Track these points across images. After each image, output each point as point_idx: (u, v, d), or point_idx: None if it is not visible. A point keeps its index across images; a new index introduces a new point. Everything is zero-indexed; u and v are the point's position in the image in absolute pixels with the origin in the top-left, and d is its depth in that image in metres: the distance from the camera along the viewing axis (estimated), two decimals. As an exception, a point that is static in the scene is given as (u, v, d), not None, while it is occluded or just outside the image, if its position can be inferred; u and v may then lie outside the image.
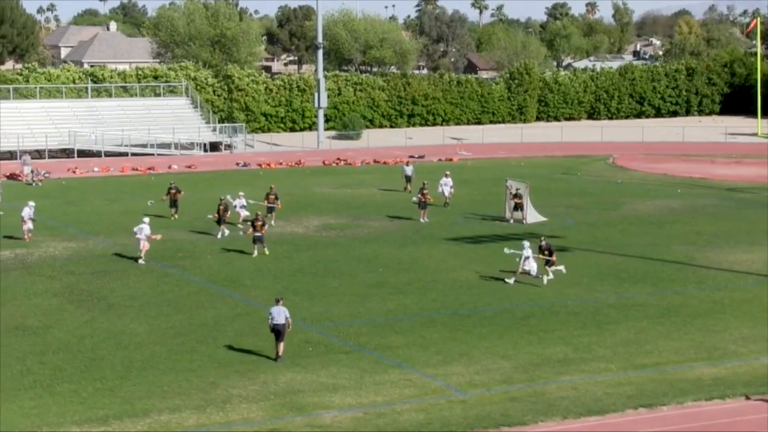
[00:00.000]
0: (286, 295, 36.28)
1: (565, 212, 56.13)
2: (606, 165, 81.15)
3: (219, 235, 48.06)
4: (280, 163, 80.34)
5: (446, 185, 57.54)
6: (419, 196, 53.24)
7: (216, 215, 48.71)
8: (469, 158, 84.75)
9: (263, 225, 44.30)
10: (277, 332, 29.46)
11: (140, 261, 42.46)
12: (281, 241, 47.35)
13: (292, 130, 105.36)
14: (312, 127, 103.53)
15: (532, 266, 38.55)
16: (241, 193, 52.80)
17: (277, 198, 51.87)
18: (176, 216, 53.02)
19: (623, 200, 60.83)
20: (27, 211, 47.21)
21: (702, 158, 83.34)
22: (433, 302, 36.36)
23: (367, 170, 77.08)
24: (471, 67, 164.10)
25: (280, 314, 29.48)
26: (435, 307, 35.61)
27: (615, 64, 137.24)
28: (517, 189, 52.81)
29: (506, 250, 40.91)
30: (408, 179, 62.78)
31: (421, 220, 52.67)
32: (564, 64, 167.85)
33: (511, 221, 52.56)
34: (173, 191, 53.45)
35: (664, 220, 53.87)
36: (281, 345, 29.55)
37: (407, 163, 64.58)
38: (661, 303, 36.27)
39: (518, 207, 52.57)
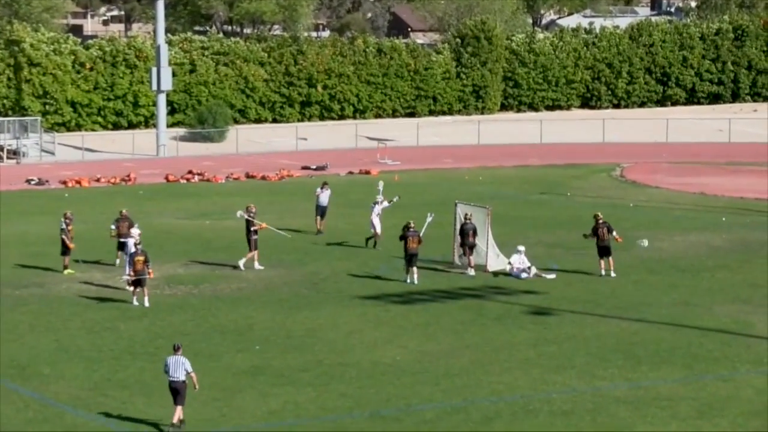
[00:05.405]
0: (109, 388, 35.93)
1: (545, 253, 56.41)
2: (611, 179, 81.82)
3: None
4: (98, 180, 79.83)
5: (377, 215, 57.88)
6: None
7: None
8: (396, 169, 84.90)
9: (145, 262, 46.69)
10: (176, 391, 31.98)
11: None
12: (99, 305, 47.01)
13: (117, 127, 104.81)
14: (149, 122, 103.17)
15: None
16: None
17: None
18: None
19: (638, 234, 61.25)
20: None
21: (759, 168, 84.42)
22: (342, 398, 36.25)
23: (235, 189, 76.93)
24: (399, 27, 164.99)
25: (177, 367, 32.03)
26: (345, 406, 35.51)
27: (623, 22, 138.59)
28: (467, 217, 52.66)
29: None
30: (322, 212, 61.54)
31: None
32: (544, 22, 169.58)
33: (470, 271, 52.48)
34: None
35: (701, 266, 54.43)
36: (179, 409, 31.97)
37: (323, 186, 62.71)
38: (698, 395, 36.50)
39: (470, 247, 52.52)
